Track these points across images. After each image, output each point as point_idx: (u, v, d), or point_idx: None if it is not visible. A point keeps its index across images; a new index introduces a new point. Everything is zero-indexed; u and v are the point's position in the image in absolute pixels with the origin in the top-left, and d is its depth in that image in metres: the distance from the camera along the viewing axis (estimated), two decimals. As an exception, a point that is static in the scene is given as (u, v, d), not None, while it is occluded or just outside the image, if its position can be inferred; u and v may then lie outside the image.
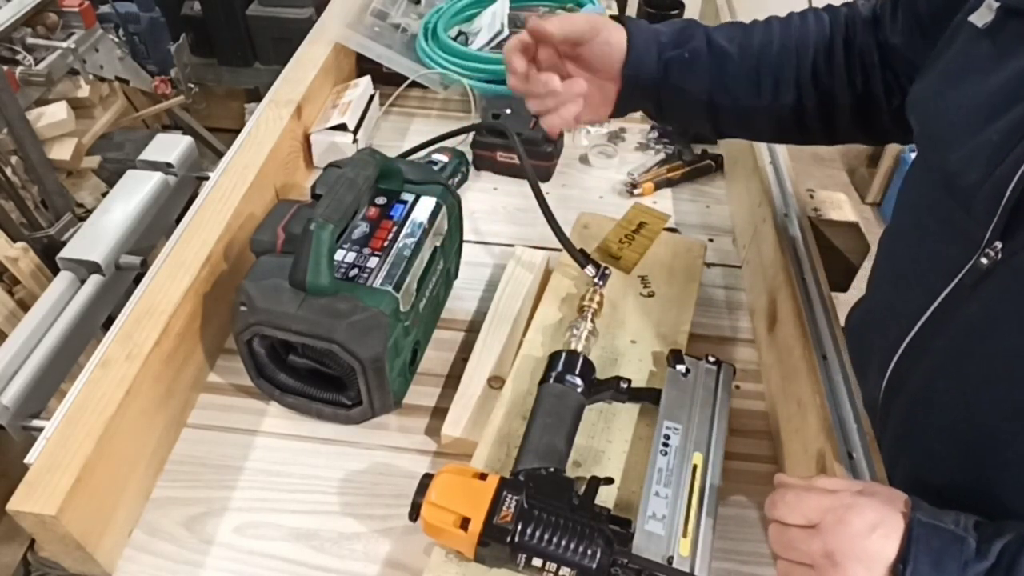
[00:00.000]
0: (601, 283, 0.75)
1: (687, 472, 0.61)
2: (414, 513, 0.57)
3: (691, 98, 0.69)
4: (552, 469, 0.59)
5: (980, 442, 0.52)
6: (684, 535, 0.57)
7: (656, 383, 0.69)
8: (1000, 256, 0.49)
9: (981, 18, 0.52)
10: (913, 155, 0.66)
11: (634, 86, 0.69)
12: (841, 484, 0.50)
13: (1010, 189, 0.46)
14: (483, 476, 0.57)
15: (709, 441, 0.64)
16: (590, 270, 0.75)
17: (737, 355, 0.80)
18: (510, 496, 0.55)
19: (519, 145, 0.89)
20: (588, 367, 0.67)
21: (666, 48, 0.68)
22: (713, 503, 0.60)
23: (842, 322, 0.72)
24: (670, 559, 0.56)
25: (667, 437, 0.63)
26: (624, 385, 0.67)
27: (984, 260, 0.50)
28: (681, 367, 0.69)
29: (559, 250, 0.79)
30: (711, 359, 0.71)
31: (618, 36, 0.68)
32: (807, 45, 0.68)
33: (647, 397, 0.68)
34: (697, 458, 0.62)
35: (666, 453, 0.62)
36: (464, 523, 0.54)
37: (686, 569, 0.55)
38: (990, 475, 0.52)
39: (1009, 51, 0.49)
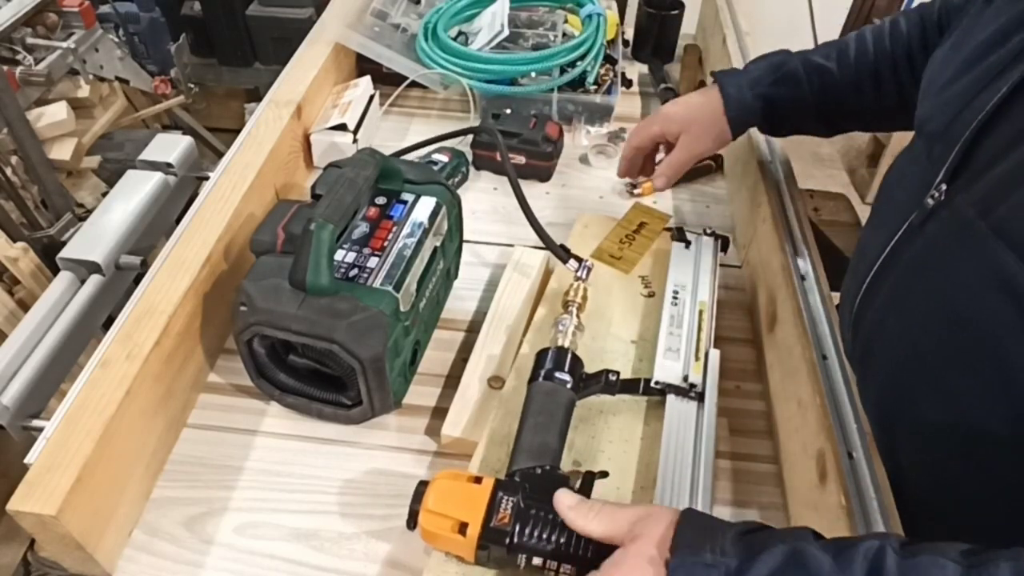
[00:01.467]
0: (584, 277, 0.75)
1: (695, 315, 0.75)
2: (412, 521, 0.57)
3: (798, 113, 0.80)
4: (547, 467, 0.59)
5: (922, 375, 0.54)
6: (696, 360, 0.71)
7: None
8: (943, 197, 0.52)
9: None
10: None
11: (741, 122, 0.81)
12: (604, 532, 0.50)
13: (967, 134, 0.50)
14: (478, 479, 0.57)
15: (712, 292, 0.78)
16: (572, 264, 0.75)
17: (737, 355, 0.80)
18: (506, 498, 0.55)
19: (502, 144, 0.90)
20: (576, 362, 0.67)
21: (758, 83, 0.79)
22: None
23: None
24: (686, 377, 0.69)
25: (676, 293, 0.78)
26: (613, 378, 0.68)
27: (930, 200, 0.53)
28: (682, 243, 0.83)
29: (559, 250, 0.79)
30: (708, 231, 0.85)
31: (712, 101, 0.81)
32: (900, 45, 0.74)
33: (637, 388, 0.68)
34: (702, 304, 0.76)
35: (676, 304, 0.77)
36: (462, 528, 0.54)
37: (698, 385, 0.68)
38: (933, 409, 0.54)
39: (1000, 13, 0.54)
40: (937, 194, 0.52)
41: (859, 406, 0.63)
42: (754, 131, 0.94)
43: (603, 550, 0.53)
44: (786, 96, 0.78)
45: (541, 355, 0.68)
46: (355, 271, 0.67)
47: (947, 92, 0.55)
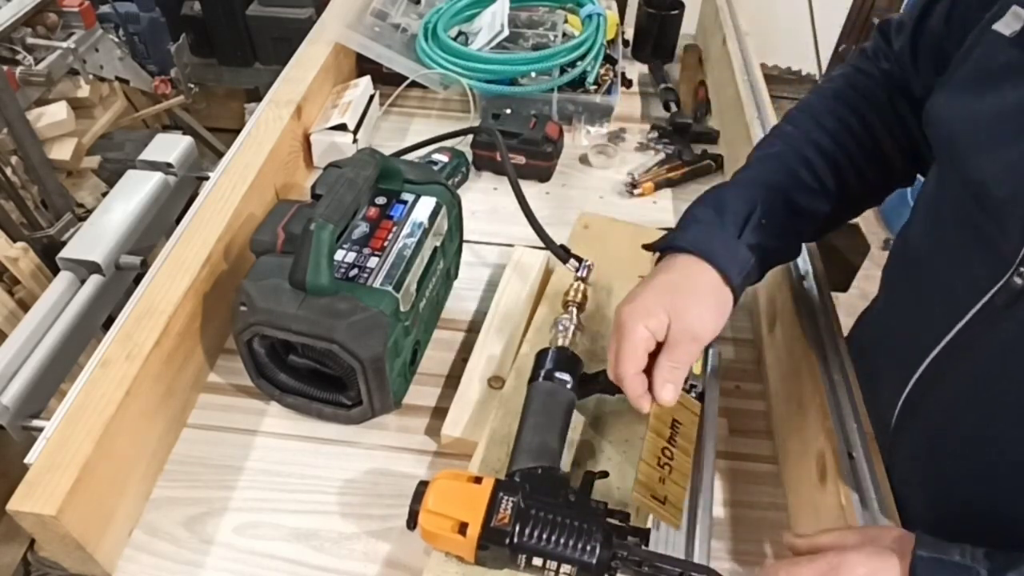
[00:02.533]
0: (584, 277, 0.75)
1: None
2: (412, 521, 0.57)
3: (789, 241, 0.66)
4: (547, 467, 0.59)
5: (1003, 470, 0.50)
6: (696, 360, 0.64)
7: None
8: None
9: (1008, 26, 0.50)
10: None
11: (744, 283, 0.62)
12: (833, 540, 0.48)
13: None
14: (478, 479, 0.57)
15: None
16: (572, 264, 0.75)
17: (737, 355, 0.80)
18: (506, 498, 0.55)
19: (502, 144, 0.90)
20: (576, 362, 0.67)
21: (745, 234, 0.62)
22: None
23: (843, 323, 0.71)
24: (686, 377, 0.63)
25: None
26: None
27: (1018, 280, 0.47)
28: None
29: (559, 250, 0.79)
30: None
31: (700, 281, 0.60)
32: (846, 138, 0.66)
33: None
34: None
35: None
36: (462, 528, 0.54)
37: (699, 386, 0.66)
38: (1012, 503, 0.50)
39: None
40: None
41: (859, 406, 0.62)
42: (753, 130, 0.94)
43: (605, 551, 0.53)
44: (773, 232, 0.63)
45: (541, 355, 0.68)
46: (355, 271, 0.67)
47: (1009, 152, 0.47)
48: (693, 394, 0.68)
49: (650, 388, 0.57)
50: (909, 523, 0.55)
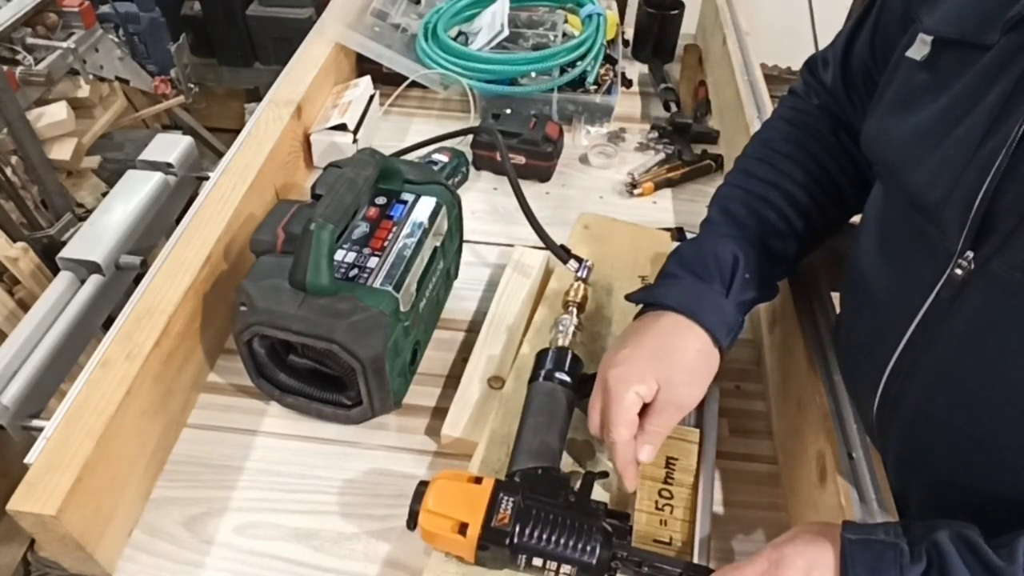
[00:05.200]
0: (585, 277, 0.75)
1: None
2: (412, 522, 0.57)
3: (768, 288, 0.67)
4: (547, 467, 0.59)
5: (985, 453, 0.52)
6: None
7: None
8: (973, 266, 0.49)
9: (918, 52, 0.54)
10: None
11: (731, 344, 0.63)
12: (767, 546, 0.51)
13: (979, 199, 0.47)
14: (478, 480, 0.57)
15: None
16: (572, 264, 0.75)
17: (737, 355, 0.80)
18: (506, 498, 0.55)
19: (502, 144, 0.90)
20: (576, 363, 0.67)
21: (733, 292, 0.62)
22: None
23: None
24: None
25: None
26: None
27: (958, 271, 0.49)
28: (680, 244, 0.74)
29: (559, 250, 0.79)
30: None
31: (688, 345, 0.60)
32: (805, 179, 0.68)
33: None
34: None
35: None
36: (462, 528, 0.54)
37: None
38: (1001, 485, 0.52)
39: (951, 76, 0.52)
40: (965, 263, 0.49)
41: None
42: (753, 130, 0.94)
43: (604, 551, 0.54)
44: (756, 283, 0.64)
45: (541, 355, 0.68)
46: (355, 271, 0.67)
47: (933, 159, 0.51)
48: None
49: None
50: (910, 515, 0.57)
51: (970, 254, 0.49)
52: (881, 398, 0.58)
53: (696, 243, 0.67)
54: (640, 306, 0.66)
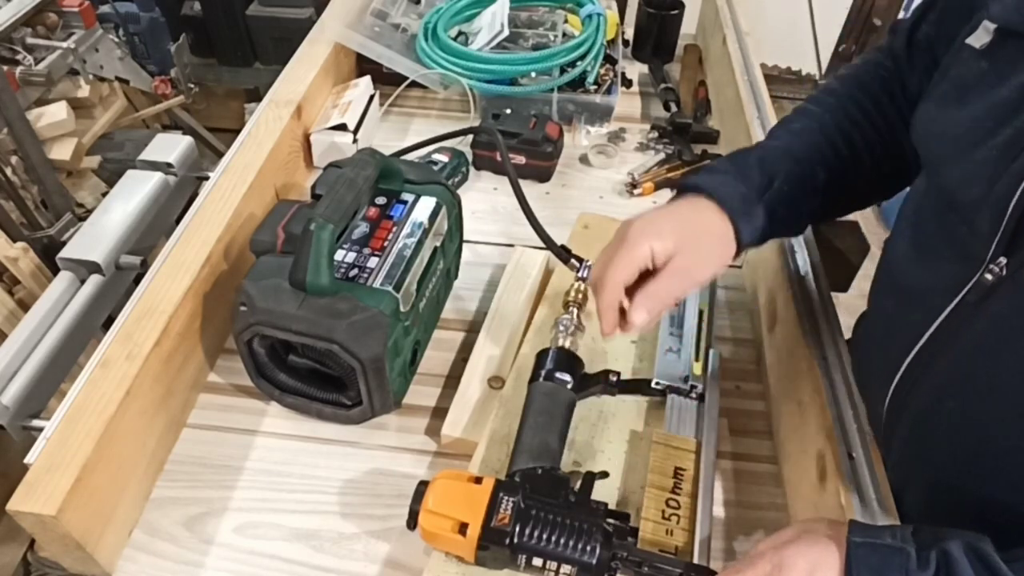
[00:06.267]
0: (585, 277, 0.75)
1: (695, 315, 0.74)
2: (412, 521, 0.57)
3: (799, 215, 0.67)
4: (547, 467, 0.59)
5: (990, 460, 0.52)
6: (696, 360, 0.70)
7: (656, 383, 0.69)
8: (1005, 272, 0.48)
9: (979, 40, 0.52)
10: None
11: (750, 241, 0.62)
12: (766, 544, 0.50)
13: (1013, 203, 0.46)
14: (478, 480, 0.57)
15: (712, 293, 0.78)
16: (572, 264, 0.75)
17: (737, 355, 0.80)
18: (506, 498, 0.55)
19: (502, 144, 0.90)
20: (576, 363, 0.67)
21: (765, 197, 0.62)
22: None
23: (842, 322, 0.72)
24: (686, 378, 0.69)
25: None
26: (614, 378, 0.68)
27: (988, 276, 0.49)
28: None
29: (559, 250, 0.79)
30: None
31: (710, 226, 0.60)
32: (867, 126, 0.67)
33: (637, 389, 0.68)
34: (703, 304, 0.76)
35: (676, 303, 0.68)
36: (462, 528, 0.54)
37: (700, 387, 0.68)
38: (1002, 492, 0.51)
39: (1007, 69, 0.50)
40: (998, 269, 0.48)
41: (859, 406, 0.62)
42: (753, 130, 0.94)
43: (604, 551, 0.54)
44: (792, 200, 0.64)
45: (541, 355, 0.68)
46: (355, 271, 0.67)
47: (974, 157, 0.49)
48: (693, 394, 0.68)
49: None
50: (906, 514, 0.56)
51: (1003, 260, 0.48)
52: (894, 393, 0.58)
53: (744, 150, 0.67)
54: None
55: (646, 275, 0.57)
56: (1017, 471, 0.50)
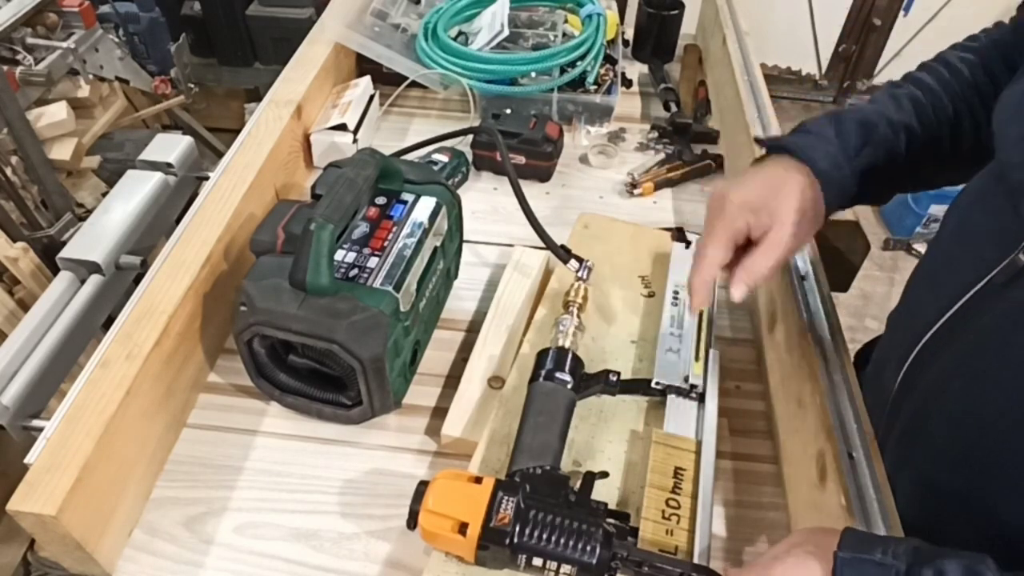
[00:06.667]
0: (585, 277, 0.75)
1: (695, 315, 0.74)
2: (412, 521, 0.57)
3: (891, 183, 0.67)
4: (547, 467, 0.59)
5: (986, 445, 0.51)
6: (696, 360, 0.70)
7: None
8: None
9: None
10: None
11: (838, 203, 0.64)
12: (758, 561, 0.50)
13: None
14: (478, 479, 0.57)
15: (712, 295, 0.73)
16: (572, 264, 0.75)
17: (737, 355, 0.80)
18: (506, 498, 0.55)
19: (502, 144, 0.90)
20: (576, 363, 0.67)
21: (853, 155, 0.63)
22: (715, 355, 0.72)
23: (843, 323, 0.71)
24: (686, 378, 0.68)
25: (676, 293, 0.76)
26: (614, 378, 0.68)
27: (1023, 257, 0.48)
28: (682, 244, 0.82)
29: (559, 250, 0.79)
30: None
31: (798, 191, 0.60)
32: (971, 92, 0.65)
33: (637, 389, 0.68)
34: None
35: (676, 304, 0.75)
36: (462, 528, 0.54)
37: (699, 386, 0.68)
38: (994, 479, 0.51)
39: None
40: None
41: (859, 406, 0.62)
42: (753, 130, 0.94)
43: (605, 551, 0.54)
44: (881, 165, 0.64)
45: (542, 355, 0.68)
46: (355, 271, 0.67)
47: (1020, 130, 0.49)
48: (693, 394, 0.68)
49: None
50: (897, 505, 0.56)
51: None
52: (906, 372, 0.57)
53: (837, 113, 0.66)
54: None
55: (741, 246, 0.59)
56: (1011, 456, 0.49)
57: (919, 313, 0.58)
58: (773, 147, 0.63)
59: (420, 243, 0.71)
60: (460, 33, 1.15)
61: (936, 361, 0.55)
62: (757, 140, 0.67)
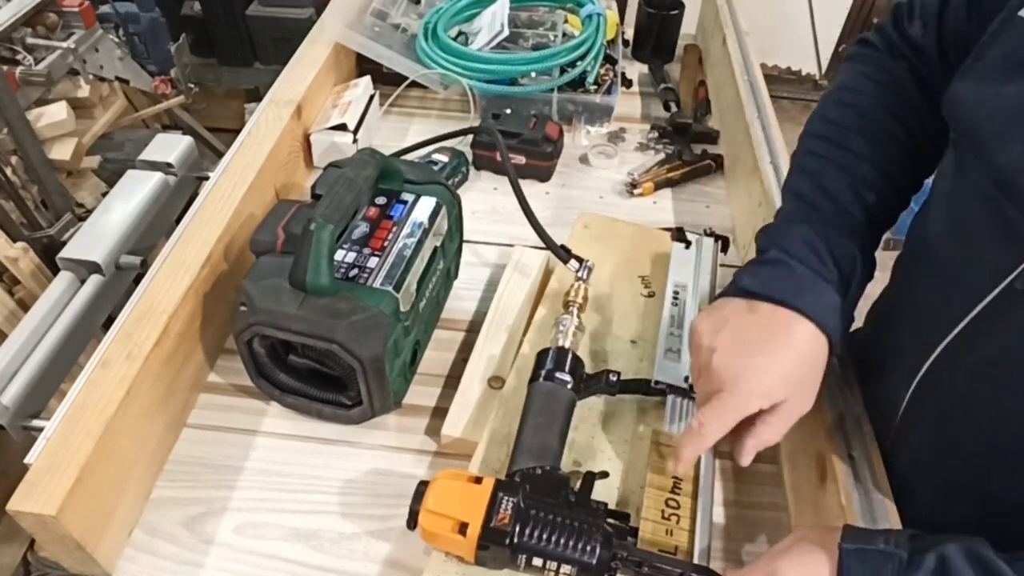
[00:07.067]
0: (585, 277, 0.75)
1: (695, 315, 0.68)
2: (412, 521, 0.57)
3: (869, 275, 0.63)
4: (547, 467, 0.59)
5: (1013, 457, 0.51)
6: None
7: (656, 383, 0.69)
8: None
9: None
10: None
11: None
12: (765, 557, 0.50)
13: None
14: (478, 479, 0.57)
15: (711, 293, 0.77)
16: (572, 264, 0.75)
17: (737, 355, 0.80)
18: (506, 498, 0.55)
19: (502, 144, 0.90)
20: (576, 363, 0.67)
21: (851, 292, 0.59)
22: None
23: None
24: (686, 377, 0.68)
25: (676, 293, 0.77)
26: (614, 378, 0.68)
27: None
28: (682, 244, 0.82)
29: (559, 250, 0.79)
30: (708, 231, 0.83)
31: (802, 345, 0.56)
32: (902, 154, 0.63)
33: (637, 389, 0.68)
34: (703, 304, 0.75)
35: (676, 304, 0.76)
36: (462, 528, 0.54)
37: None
38: (1020, 488, 0.51)
39: None
40: None
41: (860, 406, 0.62)
42: (753, 130, 0.94)
43: (605, 551, 0.54)
44: (866, 274, 0.61)
45: (542, 355, 0.68)
46: (355, 271, 0.67)
47: None
48: (693, 394, 0.68)
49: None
50: (915, 511, 0.56)
51: None
52: (923, 376, 0.56)
53: (801, 228, 0.60)
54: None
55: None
56: None
57: (929, 316, 0.57)
58: (770, 298, 0.57)
59: (420, 243, 0.71)
60: (460, 33, 1.16)
61: (957, 368, 0.54)
62: (738, 286, 0.60)
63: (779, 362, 0.55)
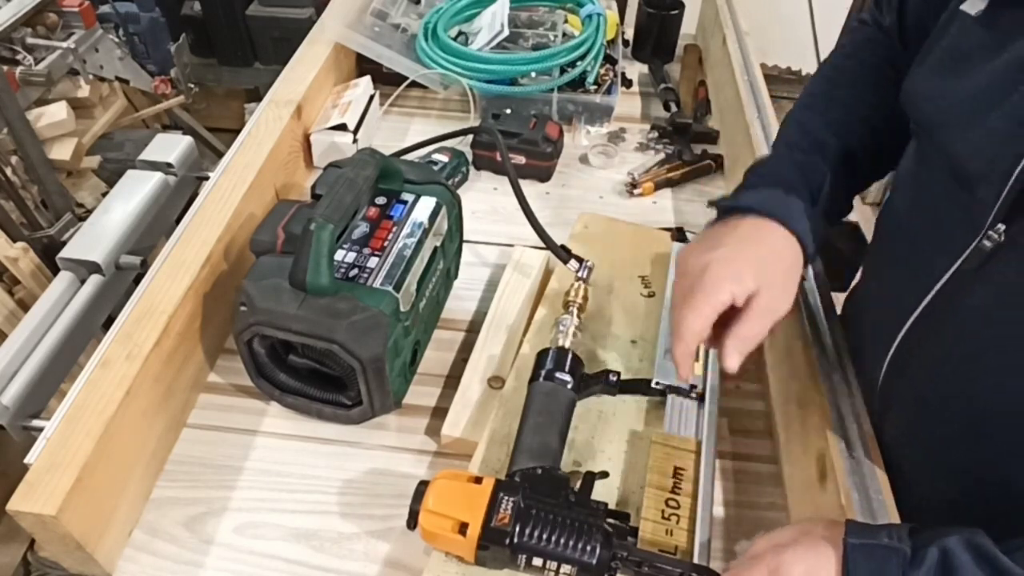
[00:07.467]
0: (585, 277, 0.75)
1: (687, 382, 0.68)
2: (412, 521, 0.57)
3: (842, 208, 0.68)
4: (547, 467, 0.59)
5: (989, 426, 0.52)
6: (696, 360, 0.61)
7: (656, 383, 0.69)
8: (1003, 238, 0.48)
9: (973, 7, 0.52)
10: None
11: (815, 253, 0.63)
12: (765, 544, 0.50)
13: (1017, 172, 0.46)
14: (478, 480, 0.57)
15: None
16: (572, 264, 0.75)
17: (737, 355, 0.80)
18: (506, 498, 0.55)
19: (502, 144, 0.90)
20: (576, 363, 0.67)
21: (819, 203, 0.62)
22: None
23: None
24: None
25: None
26: (613, 378, 0.68)
27: (987, 243, 0.49)
28: (682, 244, 0.82)
29: (559, 250, 0.79)
30: None
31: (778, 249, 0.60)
32: (884, 106, 0.65)
33: (637, 389, 0.69)
34: None
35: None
36: (462, 528, 0.54)
37: (698, 386, 0.68)
38: (1002, 460, 0.52)
39: (1004, 38, 0.49)
40: (996, 236, 0.48)
41: (860, 406, 0.62)
42: (753, 130, 0.94)
43: (605, 551, 0.54)
44: (839, 195, 0.64)
45: (542, 355, 0.68)
46: (355, 271, 0.67)
47: (978, 126, 0.49)
48: (693, 394, 0.68)
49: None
50: (904, 485, 0.57)
51: (1001, 227, 0.48)
52: (891, 360, 0.58)
53: (777, 158, 0.66)
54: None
55: (726, 312, 0.57)
56: (1015, 438, 0.50)
57: (892, 300, 0.59)
58: (741, 208, 0.61)
59: (420, 243, 0.71)
60: (460, 33, 1.16)
61: (923, 347, 0.56)
62: (712, 203, 0.65)
63: (747, 250, 0.58)
